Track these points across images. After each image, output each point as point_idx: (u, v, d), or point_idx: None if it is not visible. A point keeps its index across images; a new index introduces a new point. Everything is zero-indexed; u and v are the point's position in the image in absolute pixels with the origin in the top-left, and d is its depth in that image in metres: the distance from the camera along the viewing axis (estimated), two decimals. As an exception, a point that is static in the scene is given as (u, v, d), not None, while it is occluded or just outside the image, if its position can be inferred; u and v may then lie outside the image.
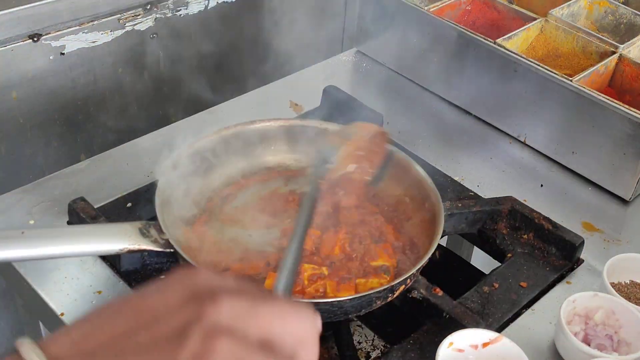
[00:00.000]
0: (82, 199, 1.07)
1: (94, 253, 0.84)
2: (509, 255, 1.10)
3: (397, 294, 0.93)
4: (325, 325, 1.03)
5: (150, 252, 0.89)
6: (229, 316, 0.45)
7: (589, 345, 0.94)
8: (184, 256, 0.87)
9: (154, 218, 0.91)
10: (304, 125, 1.14)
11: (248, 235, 0.99)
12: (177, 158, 1.01)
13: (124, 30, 1.48)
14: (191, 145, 1.04)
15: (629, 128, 1.19)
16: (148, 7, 1.50)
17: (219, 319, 0.44)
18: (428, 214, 1.02)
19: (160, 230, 0.89)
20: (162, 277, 0.99)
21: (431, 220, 1.00)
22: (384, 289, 0.89)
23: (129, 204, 1.11)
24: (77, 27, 1.41)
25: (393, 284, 0.89)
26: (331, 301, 0.86)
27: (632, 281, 1.05)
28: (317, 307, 0.85)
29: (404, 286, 0.93)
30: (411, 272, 0.91)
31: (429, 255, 0.93)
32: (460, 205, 1.11)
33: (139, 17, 1.49)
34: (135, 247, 0.87)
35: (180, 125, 1.34)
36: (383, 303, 0.92)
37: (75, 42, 1.41)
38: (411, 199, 1.07)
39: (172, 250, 0.88)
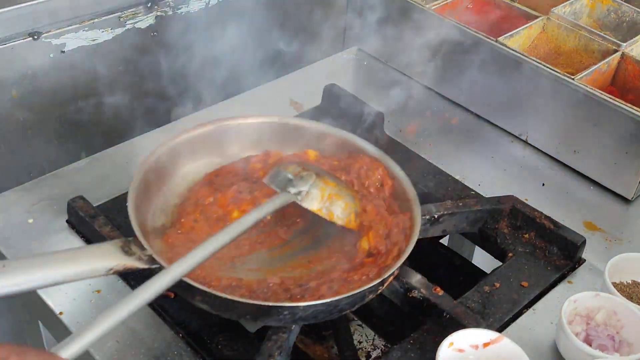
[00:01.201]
0: (81, 198, 1.07)
1: (80, 278, 0.83)
2: (510, 254, 1.09)
3: (385, 285, 0.94)
4: (324, 324, 1.04)
5: (136, 270, 0.87)
6: None
7: (590, 345, 0.93)
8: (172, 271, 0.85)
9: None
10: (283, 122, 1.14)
11: None
12: (141, 170, 1.00)
13: (124, 29, 1.47)
14: (152, 154, 1.03)
15: (631, 127, 1.19)
16: (149, 5, 1.49)
17: None
18: (403, 204, 1.02)
19: (141, 247, 0.87)
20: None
21: (410, 215, 1.00)
22: (376, 283, 0.89)
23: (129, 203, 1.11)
24: (78, 25, 1.40)
25: (383, 277, 0.90)
26: (328, 301, 0.86)
27: (634, 281, 1.04)
28: (314, 307, 0.85)
29: (392, 277, 0.94)
30: (397, 265, 0.91)
31: (412, 245, 0.93)
32: (461, 204, 1.10)
33: (139, 15, 1.49)
34: (120, 267, 0.85)
35: (181, 124, 1.33)
36: (374, 296, 0.93)
37: (75, 40, 1.41)
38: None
39: (158, 265, 0.86)
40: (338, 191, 0.97)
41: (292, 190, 0.93)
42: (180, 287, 0.87)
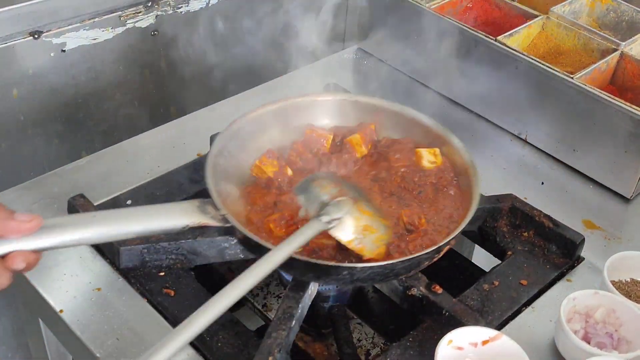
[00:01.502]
0: (82, 196, 1.07)
1: (161, 231, 0.89)
2: (510, 253, 1.10)
3: (442, 253, 0.96)
4: (324, 322, 1.05)
5: (210, 227, 0.92)
6: None
7: (589, 343, 0.94)
8: (242, 230, 0.90)
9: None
10: (351, 99, 1.18)
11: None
12: (222, 138, 1.05)
13: (124, 28, 1.48)
14: (233, 124, 1.07)
15: (630, 126, 1.19)
16: (149, 4, 1.50)
17: None
18: (463, 182, 1.05)
19: (215, 207, 0.92)
20: (162, 274, 1.00)
21: (466, 188, 1.04)
22: (431, 250, 0.92)
23: (129, 201, 1.11)
24: (78, 24, 1.41)
25: (440, 244, 0.92)
26: (384, 264, 0.89)
27: (633, 279, 1.05)
28: (371, 269, 0.89)
29: (448, 246, 0.96)
30: (456, 232, 0.93)
31: (471, 216, 0.96)
32: (460, 202, 1.11)
33: (140, 14, 1.50)
34: (196, 223, 0.90)
35: (182, 123, 1.34)
36: (430, 264, 0.95)
37: (76, 39, 1.41)
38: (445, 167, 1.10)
39: (229, 225, 0.91)
40: (372, 222, 0.94)
41: (325, 218, 0.90)
42: (249, 245, 0.93)
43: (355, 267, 0.89)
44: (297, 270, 0.92)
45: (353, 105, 1.17)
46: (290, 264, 0.88)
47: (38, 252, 0.77)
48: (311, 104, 1.16)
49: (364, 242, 0.92)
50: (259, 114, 1.11)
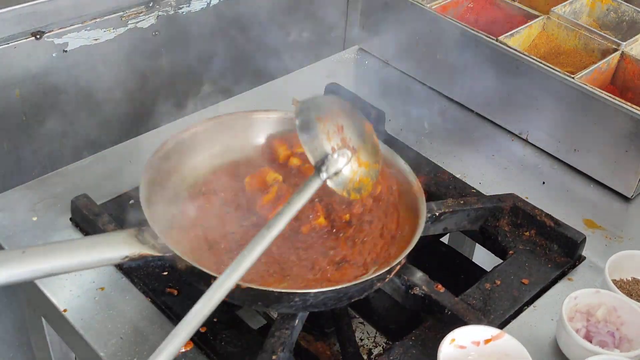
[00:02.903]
0: (85, 196, 1.07)
1: (97, 265, 0.87)
2: (511, 252, 1.10)
3: (393, 273, 0.95)
4: (327, 322, 1.05)
5: (151, 257, 0.89)
6: None
7: (591, 341, 0.94)
8: (185, 259, 0.87)
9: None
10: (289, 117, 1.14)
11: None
12: (151, 162, 1.01)
13: (126, 28, 1.48)
14: (161, 148, 1.04)
15: (630, 125, 1.19)
16: (150, 5, 1.50)
17: None
18: (411, 202, 1.04)
19: (154, 235, 0.89)
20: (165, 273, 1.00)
21: (414, 207, 1.02)
22: (384, 271, 0.91)
23: (132, 201, 1.12)
24: (80, 25, 1.41)
25: (392, 265, 0.92)
26: (337, 288, 0.88)
27: (634, 278, 1.05)
28: (324, 295, 0.87)
29: (399, 266, 0.95)
30: (405, 254, 0.93)
31: (419, 234, 0.95)
32: (462, 202, 1.11)
33: (141, 14, 1.50)
34: (136, 254, 0.87)
35: (182, 123, 1.34)
36: (382, 284, 0.95)
37: (77, 39, 1.42)
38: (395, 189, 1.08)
39: (171, 254, 0.88)
40: (367, 173, 0.96)
41: (324, 175, 0.91)
42: (193, 275, 0.88)
43: (309, 293, 0.87)
44: (246, 300, 0.89)
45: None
46: (238, 293, 0.86)
47: None
48: (245, 121, 1.13)
49: (354, 191, 0.95)
50: (185, 136, 1.07)
